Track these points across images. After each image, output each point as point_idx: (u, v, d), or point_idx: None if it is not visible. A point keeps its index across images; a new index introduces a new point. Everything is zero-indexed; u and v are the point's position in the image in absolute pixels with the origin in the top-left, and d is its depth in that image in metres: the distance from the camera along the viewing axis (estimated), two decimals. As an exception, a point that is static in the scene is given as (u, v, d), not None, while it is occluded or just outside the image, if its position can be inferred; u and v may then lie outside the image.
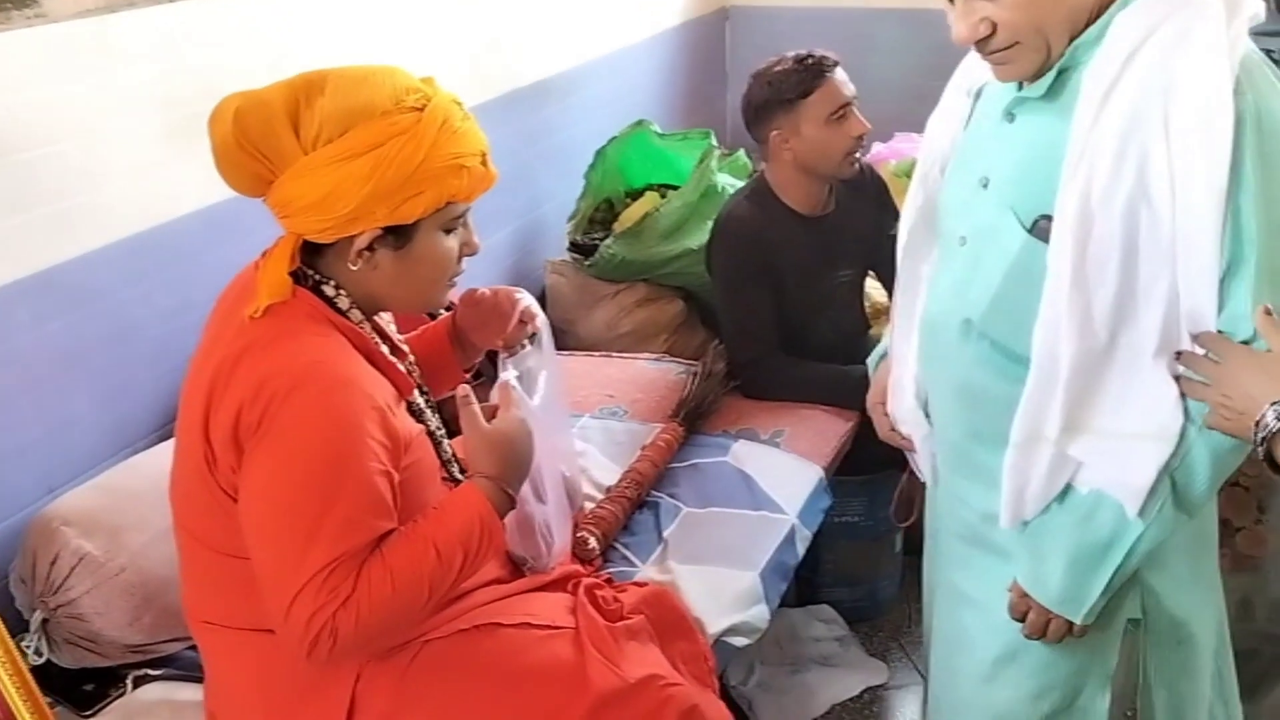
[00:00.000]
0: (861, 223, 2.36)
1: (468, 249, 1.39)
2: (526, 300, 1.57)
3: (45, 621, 1.61)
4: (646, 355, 2.51)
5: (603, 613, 1.51)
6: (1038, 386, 1.23)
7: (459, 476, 1.53)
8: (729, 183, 3.03)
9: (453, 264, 1.38)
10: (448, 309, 1.68)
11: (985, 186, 1.30)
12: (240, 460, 1.27)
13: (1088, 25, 1.19)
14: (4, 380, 1.70)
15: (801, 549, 1.89)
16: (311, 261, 1.34)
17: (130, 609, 1.61)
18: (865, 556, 2.47)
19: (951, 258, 1.36)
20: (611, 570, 1.74)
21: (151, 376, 1.88)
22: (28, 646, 1.60)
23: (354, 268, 1.31)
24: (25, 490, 1.73)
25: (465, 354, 1.62)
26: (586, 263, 2.89)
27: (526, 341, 1.55)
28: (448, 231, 1.34)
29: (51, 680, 1.61)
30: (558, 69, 3.02)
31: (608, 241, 2.85)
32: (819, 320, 2.35)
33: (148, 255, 1.85)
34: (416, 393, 1.45)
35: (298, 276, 1.33)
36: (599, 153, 3.03)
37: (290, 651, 1.25)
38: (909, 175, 3.20)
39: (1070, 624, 1.28)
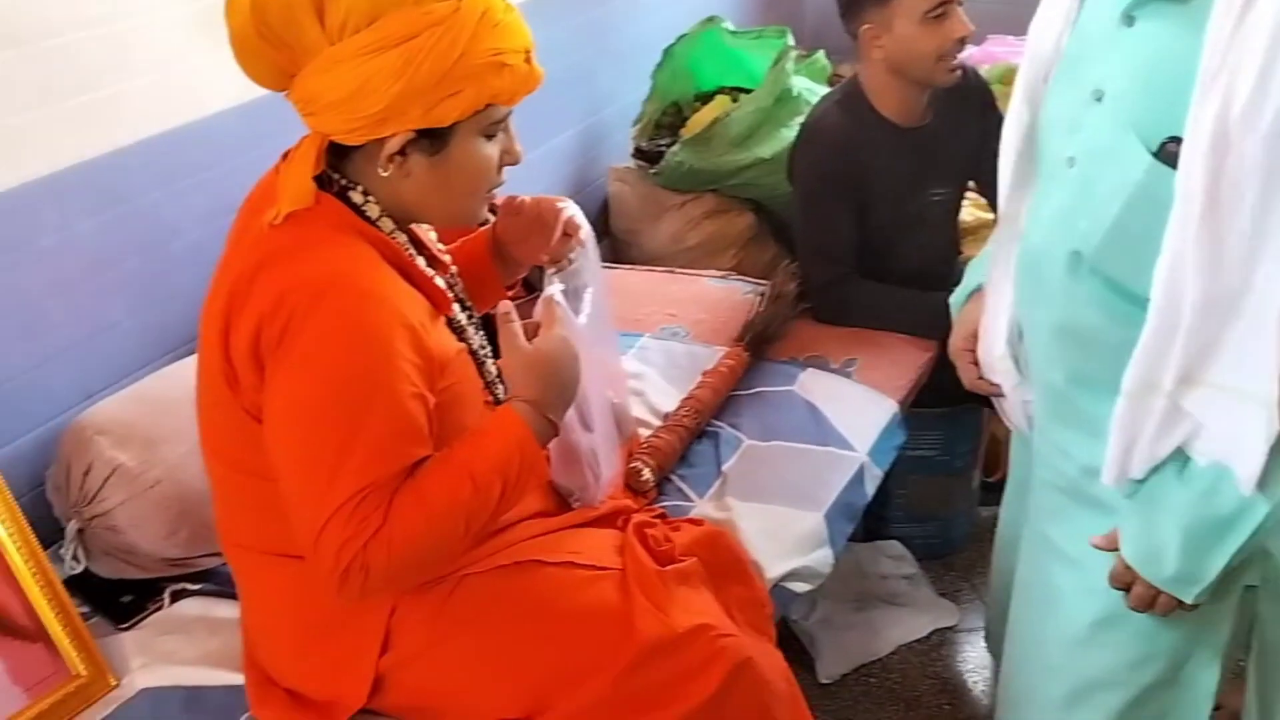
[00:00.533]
0: (963, 135, 2.15)
1: (509, 158, 1.26)
2: (571, 210, 1.44)
3: (80, 531, 1.56)
4: (712, 272, 2.36)
5: (653, 554, 1.41)
6: (1157, 331, 1.07)
7: (504, 399, 1.42)
8: (806, 87, 2.83)
9: (492, 173, 1.25)
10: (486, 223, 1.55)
11: (1099, 100, 1.13)
12: (262, 379, 1.18)
13: None
14: (33, 282, 1.63)
15: (871, 489, 1.76)
16: (338, 165, 1.22)
17: (166, 522, 1.55)
18: (939, 492, 2.34)
19: (1057, 182, 1.20)
20: (665, 504, 1.64)
21: (189, 281, 1.78)
22: (64, 554, 1.56)
23: (384, 174, 1.19)
24: (61, 394, 1.67)
25: (507, 269, 1.50)
26: (651, 171, 2.74)
27: (573, 256, 1.42)
28: (488, 137, 1.22)
29: (90, 590, 1.56)
30: (625, -42, 2.83)
31: (674, 148, 2.69)
32: (905, 242, 2.18)
33: (181, 153, 1.75)
34: (457, 308, 1.34)
35: (322, 181, 1.21)
36: (666, 51, 2.84)
37: (321, 583, 1.17)
38: (1003, 82, 3.01)
39: (1181, 601, 1.15)
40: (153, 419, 1.60)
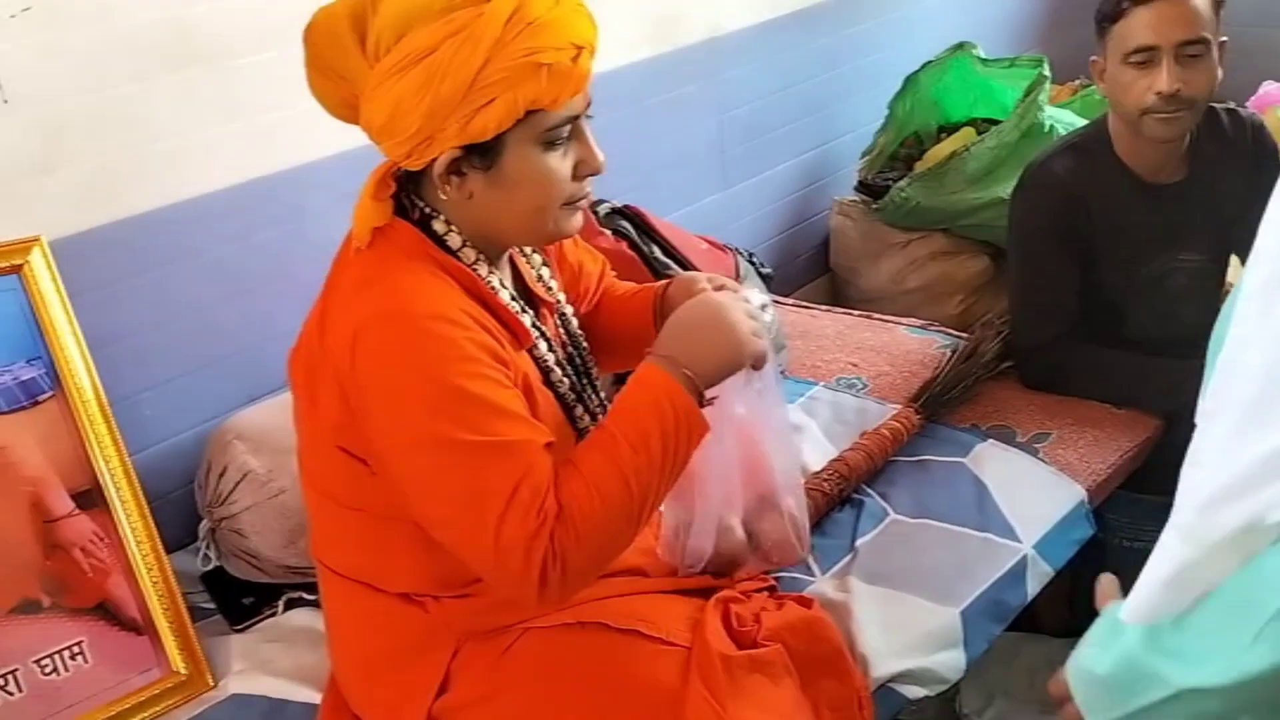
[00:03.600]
0: (1227, 196, 1.84)
1: (585, 166, 1.16)
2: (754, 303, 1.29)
3: (212, 531, 1.63)
4: (911, 320, 2.16)
5: (733, 634, 1.28)
6: None
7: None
8: (1064, 121, 2.55)
9: (562, 184, 1.15)
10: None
11: None
12: (346, 413, 1.15)
13: None
14: (211, 288, 1.73)
15: (1034, 587, 1.52)
16: (419, 192, 1.19)
17: (285, 531, 1.59)
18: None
19: None
20: (782, 575, 1.49)
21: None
22: (197, 552, 1.64)
23: (444, 196, 1.14)
24: (227, 395, 1.77)
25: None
26: (874, 205, 2.56)
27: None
28: (548, 146, 1.13)
29: (219, 588, 1.64)
30: (873, -20, 2.67)
31: (901, 183, 2.51)
32: (1141, 311, 1.89)
33: (355, 174, 1.80)
34: (544, 346, 1.26)
35: (404, 209, 1.18)
36: (909, 79, 2.66)
37: (517, 599, 1.12)
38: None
39: None
40: (288, 430, 1.63)
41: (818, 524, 1.59)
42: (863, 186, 2.60)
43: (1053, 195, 1.87)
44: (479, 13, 1.05)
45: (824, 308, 2.29)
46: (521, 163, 1.12)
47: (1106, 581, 1.01)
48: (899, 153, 2.69)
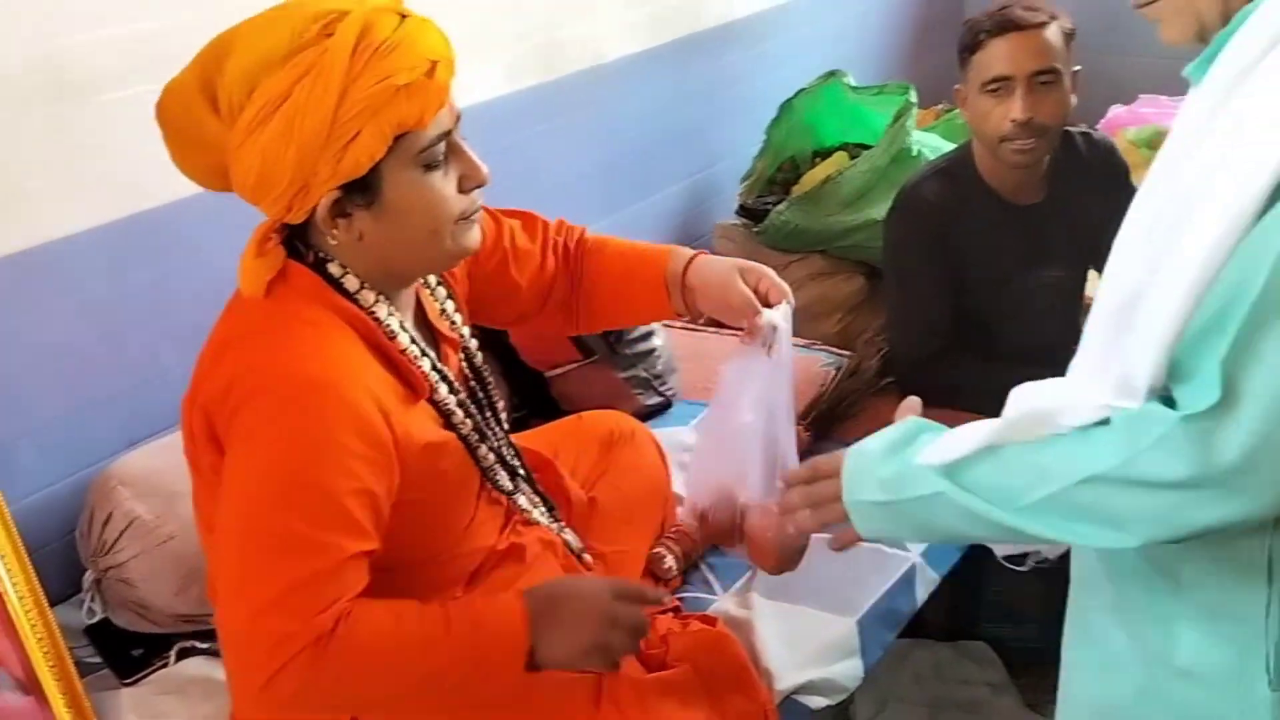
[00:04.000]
0: (1084, 215, 1.94)
1: (469, 180, 1.14)
2: (773, 320, 1.33)
3: (97, 582, 1.57)
4: (796, 340, 2.21)
5: (643, 657, 1.30)
6: None
7: (507, 486, 1.34)
8: (928, 145, 2.66)
9: (450, 202, 1.13)
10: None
11: None
12: (221, 462, 1.13)
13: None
14: (86, 330, 1.67)
15: (923, 594, 1.59)
16: (307, 239, 1.17)
17: (177, 578, 1.55)
18: (1038, 591, 2.10)
19: None
20: (686, 595, 1.52)
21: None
22: (81, 604, 1.58)
23: (334, 241, 1.12)
24: (104, 441, 1.71)
25: (679, 305, 1.41)
26: (755, 229, 2.62)
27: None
28: (428, 168, 1.11)
29: (105, 640, 1.58)
30: (745, 11, 2.74)
31: (780, 206, 2.57)
32: (1010, 324, 1.98)
33: (232, 209, 1.77)
34: (445, 389, 1.24)
35: (297, 252, 1.17)
36: (784, 106, 2.73)
37: (238, 686, 1.11)
38: (1150, 146, 2.74)
39: None
40: (176, 471, 1.58)
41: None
42: (744, 210, 2.66)
43: (924, 218, 1.95)
44: (323, 49, 1.04)
45: (712, 329, 2.33)
46: (404, 190, 1.10)
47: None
48: (776, 177, 2.76)
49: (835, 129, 2.82)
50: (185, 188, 1.70)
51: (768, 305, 1.34)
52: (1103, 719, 1.08)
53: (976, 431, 0.98)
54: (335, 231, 1.11)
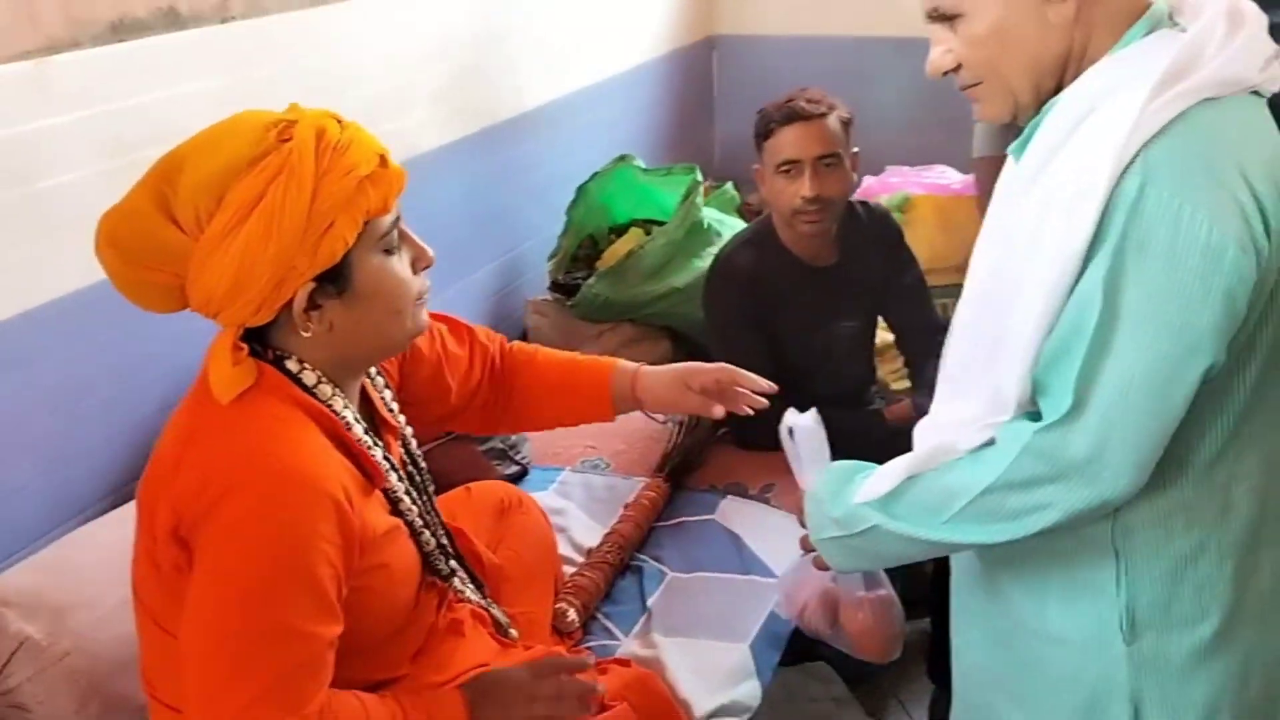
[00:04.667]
0: (870, 272, 2.25)
1: (421, 260, 1.25)
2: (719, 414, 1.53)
3: (-16, 712, 1.49)
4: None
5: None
6: None
7: (445, 570, 1.42)
8: (716, 218, 2.94)
9: (410, 283, 1.24)
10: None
11: None
12: (187, 559, 1.15)
13: (1062, 81, 1.12)
14: (-63, 448, 1.59)
15: (793, 615, 1.77)
16: (266, 337, 1.22)
17: (76, 696, 1.49)
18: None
19: None
20: (592, 644, 1.63)
21: (102, 439, 1.77)
22: (-35, 737, 1.49)
23: (308, 334, 1.18)
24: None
25: (622, 412, 1.59)
26: (569, 303, 2.79)
27: None
28: (387, 252, 1.21)
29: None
30: (537, 101, 2.93)
31: (590, 281, 2.76)
32: (819, 371, 2.24)
33: (96, 310, 1.75)
34: (394, 477, 1.31)
35: (256, 351, 1.21)
36: (580, 188, 2.94)
37: None
38: (900, 209, 3.15)
39: None
40: (62, 585, 1.55)
41: (608, 594, 1.75)
42: (556, 286, 2.83)
43: (738, 283, 2.19)
44: (287, 151, 1.12)
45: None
46: (372, 274, 1.19)
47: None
48: (579, 254, 2.95)
49: (627, 207, 3.05)
50: (33, 298, 1.69)
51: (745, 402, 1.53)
52: (993, 686, 1.29)
53: (896, 468, 1.18)
54: (310, 324, 1.17)
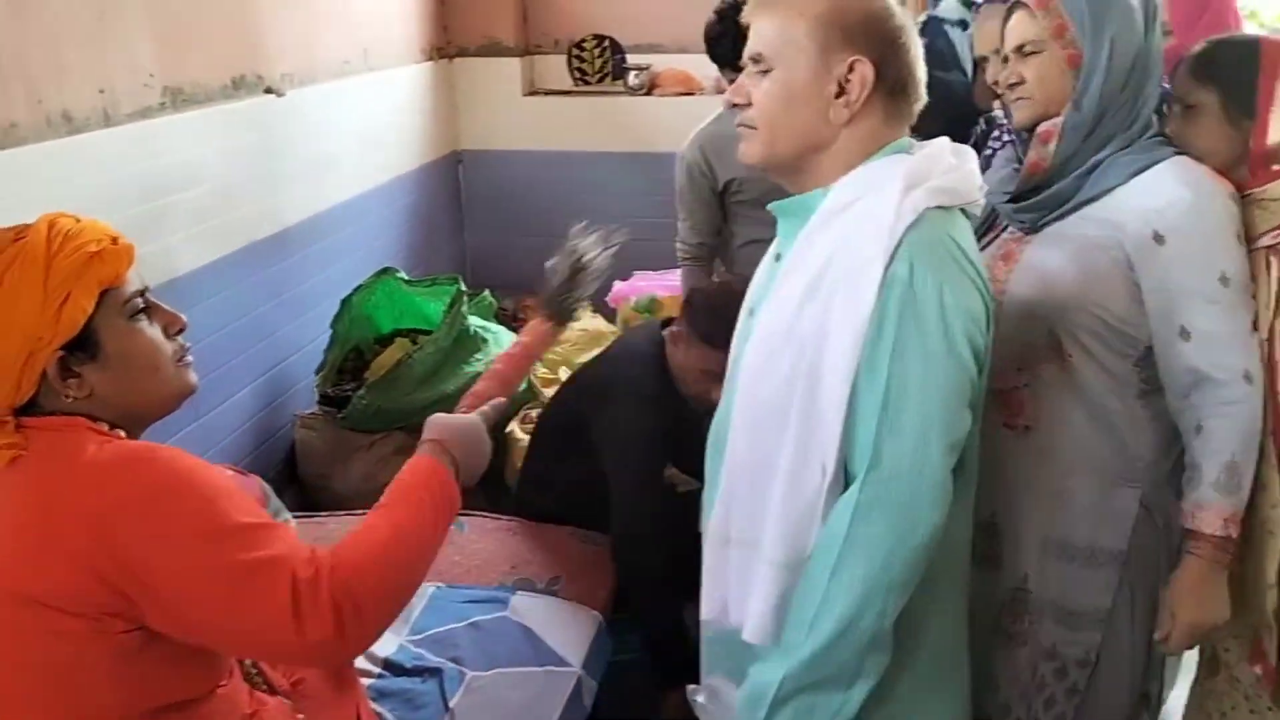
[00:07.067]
0: None
1: (173, 325, 1.32)
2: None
3: None
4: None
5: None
6: None
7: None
8: (480, 325, 3.07)
9: (163, 344, 1.29)
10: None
11: None
12: (116, 600, 1.16)
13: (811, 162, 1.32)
14: None
15: (589, 700, 1.88)
16: (45, 409, 1.24)
17: None
18: (648, 695, 2.46)
19: None
20: (398, 749, 1.67)
21: None
22: None
23: (70, 400, 1.23)
24: None
25: None
26: (339, 415, 2.82)
27: None
28: (133, 318, 1.27)
29: None
30: (296, 218, 2.97)
31: (360, 391, 2.80)
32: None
33: None
34: None
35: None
36: (344, 301, 3.00)
37: (329, 656, 1.29)
38: (649, 310, 3.39)
39: None
40: None
41: (409, 699, 1.79)
42: (325, 399, 2.85)
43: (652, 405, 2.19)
44: (22, 244, 1.21)
45: (326, 513, 2.49)
46: (122, 339, 1.25)
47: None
48: (345, 365, 2.99)
49: (391, 318, 3.13)
50: None
51: None
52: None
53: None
54: (69, 392, 1.22)
